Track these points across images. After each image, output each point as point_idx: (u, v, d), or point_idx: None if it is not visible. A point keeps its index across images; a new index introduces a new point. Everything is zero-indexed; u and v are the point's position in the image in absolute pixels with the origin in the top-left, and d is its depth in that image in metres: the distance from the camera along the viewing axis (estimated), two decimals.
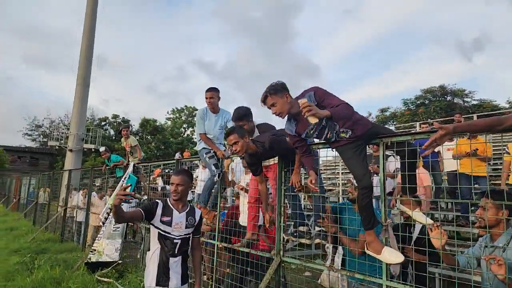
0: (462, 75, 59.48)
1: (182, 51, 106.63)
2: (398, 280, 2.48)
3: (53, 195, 11.09)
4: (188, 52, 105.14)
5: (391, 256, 2.41)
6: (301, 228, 3.15)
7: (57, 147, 23.11)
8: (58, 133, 23.49)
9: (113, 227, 5.94)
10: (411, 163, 2.56)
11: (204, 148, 4.24)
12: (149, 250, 2.71)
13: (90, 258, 5.71)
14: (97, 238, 6.03)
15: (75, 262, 6.07)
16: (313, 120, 2.29)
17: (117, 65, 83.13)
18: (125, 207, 5.79)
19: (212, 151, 4.20)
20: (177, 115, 40.12)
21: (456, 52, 63.07)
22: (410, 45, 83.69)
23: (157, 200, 2.79)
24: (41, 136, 37.44)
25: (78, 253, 7.00)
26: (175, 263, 2.65)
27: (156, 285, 2.57)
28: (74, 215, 9.17)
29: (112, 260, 5.67)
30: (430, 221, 2.60)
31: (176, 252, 2.67)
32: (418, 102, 32.00)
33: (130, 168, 6.12)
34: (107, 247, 5.79)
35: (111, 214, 5.87)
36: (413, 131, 2.62)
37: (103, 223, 6.07)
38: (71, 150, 18.55)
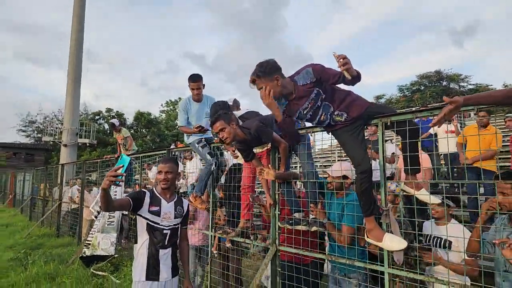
0: (456, 61, 59.33)
1: (173, 45, 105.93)
2: (401, 267, 2.36)
3: (49, 190, 10.96)
4: (179, 46, 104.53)
5: (393, 242, 2.29)
6: (296, 215, 3.05)
7: (51, 142, 22.88)
8: (52, 128, 23.23)
9: (107, 221, 5.83)
10: (412, 142, 2.41)
11: (194, 139, 4.11)
12: (136, 242, 2.59)
13: (84, 253, 5.62)
14: (91, 232, 5.92)
15: (70, 257, 5.98)
16: (348, 75, 2.12)
17: (108, 59, 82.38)
18: (118, 193, 5.68)
19: (203, 139, 4.08)
20: (171, 107, 39.79)
21: (449, 38, 62.79)
22: (403, 33, 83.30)
23: (143, 190, 2.66)
24: (35, 132, 37.03)
25: (73, 248, 6.90)
26: (165, 255, 2.55)
27: (146, 278, 2.47)
28: (69, 209, 9.06)
29: (107, 254, 5.58)
30: (436, 200, 2.49)
31: (166, 243, 2.57)
32: (413, 88, 31.88)
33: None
34: (102, 241, 5.69)
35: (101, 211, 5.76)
36: (414, 109, 2.48)
37: (96, 217, 5.95)
38: (65, 145, 18.36)
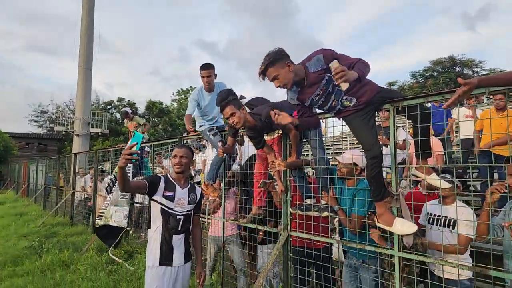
0: (470, 46, 57.65)
1: (184, 33, 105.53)
2: (410, 251, 2.35)
3: (64, 180, 11.14)
4: (190, 34, 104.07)
5: (404, 227, 2.28)
6: (308, 201, 3.02)
7: (64, 132, 23.24)
8: (64, 118, 23.53)
9: (120, 195, 5.83)
10: (424, 127, 2.36)
11: (206, 128, 4.08)
12: (149, 228, 2.60)
13: (97, 223, 5.70)
14: (104, 204, 5.98)
15: (84, 245, 6.09)
16: (344, 87, 2.04)
17: (119, 49, 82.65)
18: (131, 173, 5.67)
19: (214, 128, 4.05)
20: (183, 96, 39.86)
21: (463, 23, 60.92)
22: (417, 18, 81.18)
23: (158, 175, 2.67)
24: (47, 122, 37.59)
25: (87, 236, 7.03)
26: (178, 241, 2.56)
27: (160, 263, 2.48)
28: (82, 198, 9.21)
29: (120, 226, 5.61)
30: (446, 184, 2.43)
31: (179, 229, 2.58)
32: (426, 74, 31.22)
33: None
34: (115, 214, 5.71)
35: (116, 184, 5.75)
36: (425, 93, 2.41)
37: (109, 190, 5.99)
38: (77, 135, 18.60)
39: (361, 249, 2.73)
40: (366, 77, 2.39)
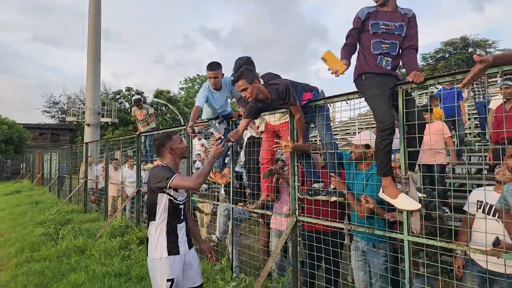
0: (481, 27, 55.59)
1: (188, 20, 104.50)
2: (420, 235, 2.33)
3: (74, 169, 11.35)
4: (193, 20, 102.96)
5: (406, 203, 2.28)
6: (316, 185, 3.02)
7: (75, 122, 23.58)
8: (75, 108, 23.85)
9: None
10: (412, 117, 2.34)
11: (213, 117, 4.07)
12: (153, 220, 2.50)
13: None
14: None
15: (98, 231, 6.24)
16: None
17: (124, 38, 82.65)
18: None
19: (220, 116, 4.04)
20: (190, 84, 39.86)
21: (468, 4, 58.66)
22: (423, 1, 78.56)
23: (163, 165, 2.58)
24: (59, 112, 38.19)
25: (100, 223, 7.20)
26: (182, 229, 2.56)
27: (169, 254, 2.43)
28: (94, 186, 9.40)
29: None
30: (414, 206, 2.31)
31: (181, 218, 2.58)
32: (437, 56, 30.44)
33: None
34: None
35: None
36: (436, 75, 2.36)
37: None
38: (88, 125, 18.88)
39: (370, 233, 2.72)
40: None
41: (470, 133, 8.37)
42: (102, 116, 20.93)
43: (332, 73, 2.39)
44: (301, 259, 3.19)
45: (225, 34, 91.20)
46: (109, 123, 23.96)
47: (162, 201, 2.47)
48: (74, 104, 28.58)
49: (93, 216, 8.14)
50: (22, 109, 72.27)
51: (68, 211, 8.79)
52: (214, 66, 3.74)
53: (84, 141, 14.53)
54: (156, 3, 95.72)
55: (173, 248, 2.45)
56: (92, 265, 4.47)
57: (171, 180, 2.35)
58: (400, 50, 2.46)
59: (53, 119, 38.40)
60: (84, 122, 19.57)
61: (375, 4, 2.48)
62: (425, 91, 10.52)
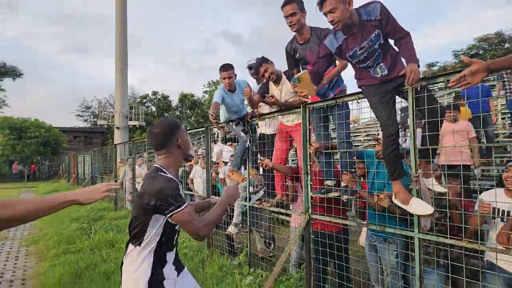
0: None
1: (208, 24, 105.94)
2: (430, 232, 2.37)
3: (105, 169, 11.97)
4: (215, 25, 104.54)
5: (419, 207, 2.31)
6: (328, 183, 3.09)
7: (106, 125, 24.66)
8: (105, 112, 24.93)
9: None
10: (432, 115, 2.26)
11: (228, 118, 4.20)
12: (137, 245, 1.78)
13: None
14: None
15: (127, 227, 6.60)
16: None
17: (149, 44, 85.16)
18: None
19: (237, 119, 4.18)
20: (213, 87, 40.52)
21: None
22: None
23: (169, 177, 1.78)
24: (92, 116, 40.07)
25: (129, 220, 7.57)
26: (171, 257, 1.92)
27: (178, 275, 1.89)
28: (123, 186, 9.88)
29: None
30: (441, 189, 2.40)
31: (174, 243, 1.93)
32: (471, 52, 29.17)
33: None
34: None
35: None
36: (447, 72, 2.38)
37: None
38: (118, 128, 19.70)
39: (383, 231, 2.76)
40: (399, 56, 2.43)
41: (502, 133, 8.07)
42: (130, 120, 21.80)
43: (299, 96, 2.43)
44: (314, 256, 3.30)
45: (246, 38, 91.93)
46: (137, 126, 24.85)
47: (157, 224, 1.76)
48: (105, 108, 29.86)
49: (123, 214, 8.58)
50: (56, 114, 76.41)
51: (100, 209, 9.31)
52: (227, 66, 3.87)
53: (114, 143, 15.25)
54: (179, 9, 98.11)
55: (179, 264, 1.92)
56: (120, 257, 4.76)
57: (178, 211, 1.64)
58: (393, 49, 2.41)
59: (85, 123, 40.35)
60: (113, 125, 20.45)
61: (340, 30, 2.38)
62: (450, 90, 10.23)
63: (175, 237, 1.91)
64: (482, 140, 6.53)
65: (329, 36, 2.48)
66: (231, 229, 4.63)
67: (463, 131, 4.51)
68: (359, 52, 2.37)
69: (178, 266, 1.92)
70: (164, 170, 1.80)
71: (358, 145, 10.00)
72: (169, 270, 1.82)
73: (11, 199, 1.17)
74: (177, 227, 1.87)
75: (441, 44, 67.68)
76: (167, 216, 1.66)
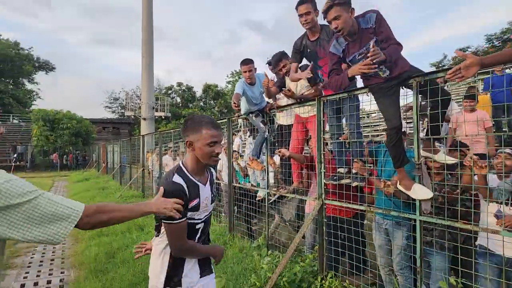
0: None
1: (232, 13, 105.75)
2: (430, 215, 2.56)
3: (133, 159, 12.61)
4: (238, 13, 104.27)
5: (420, 192, 2.50)
6: (341, 170, 3.30)
7: (133, 116, 25.55)
8: (132, 104, 25.80)
9: None
10: (441, 104, 2.45)
11: (248, 110, 4.40)
12: (156, 235, 1.85)
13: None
14: None
15: None
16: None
17: (174, 35, 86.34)
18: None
19: (256, 110, 4.41)
20: (237, 77, 40.76)
21: None
22: None
23: (175, 182, 1.67)
24: (119, 108, 41.46)
25: None
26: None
27: (201, 276, 1.83)
28: (150, 175, 10.41)
29: None
30: (450, 159, 2.56)
31: (197, 240, 1.83)
32: (505, 36, 27.73)
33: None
34: None
35: None
36: (445, 68, 2.49)
37: None
38: (144, 119, 20.40)
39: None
40: (400, 54, 2.53)
41: None
42: (156, 111, 22.45)
43: None
44: (327, 239, 3.53)
45: (270, 26, 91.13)
46: (163, 117, 25.54)
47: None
48: (132, 99, 30.86)
49: None
50: (86, 105, 79.57)
51: (129, 196, 9.92)
52: (248, 61, 4.09)
53: (141, 134, 15.89)
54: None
55: (172, 281, 1.74)
56: (149, 240, 5.19)
57: (170, 223, 1.63)
58: (390, 49, 2.45)
59: (113, 114, 41.82)
60: (140, 116, 21.18)
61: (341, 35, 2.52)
62: (467, 80, 9.96)
63: (198, 235, 1.81)
64: (504, 129, 6.44)
65: (332, 43, 2.68)
66: (261, 193, 4.85)
67: (479, 121, 4.52)
68: (358, 57, 2.55)
69: (205, 268, 1.84)
70: (183, 168, 1.75)
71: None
72: (189, 269, 1.77)
73: (108, 206, 1.34)
74: (198, 226, 1.79)
75: (479, 26, 64.32)
76: (163, 221, 1.68)
